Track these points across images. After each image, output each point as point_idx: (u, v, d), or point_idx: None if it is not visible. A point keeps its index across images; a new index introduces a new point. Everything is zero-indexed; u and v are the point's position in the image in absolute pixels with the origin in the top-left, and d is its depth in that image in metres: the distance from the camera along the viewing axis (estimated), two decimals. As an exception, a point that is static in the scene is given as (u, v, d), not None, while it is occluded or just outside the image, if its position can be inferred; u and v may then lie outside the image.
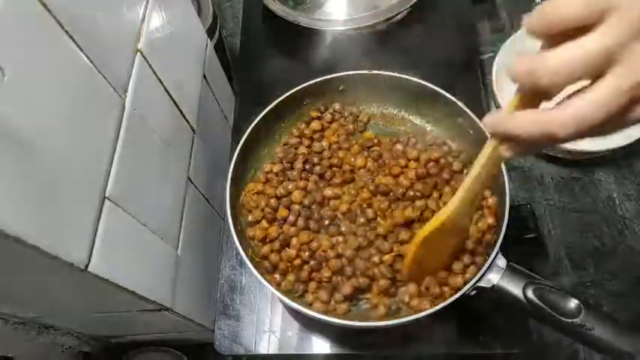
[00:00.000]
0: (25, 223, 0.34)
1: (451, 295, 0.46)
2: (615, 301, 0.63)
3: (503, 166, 0.52)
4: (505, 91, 0.71)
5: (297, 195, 0.54)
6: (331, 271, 0.51)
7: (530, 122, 0.28)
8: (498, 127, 0.31)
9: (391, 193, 0.54)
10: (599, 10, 0.25)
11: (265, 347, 0.58)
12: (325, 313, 0.49)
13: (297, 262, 0.51)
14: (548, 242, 0.66)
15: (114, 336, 0.86)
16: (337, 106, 0.62)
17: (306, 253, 0.51)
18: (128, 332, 0.83)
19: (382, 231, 0.52)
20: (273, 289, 0.48)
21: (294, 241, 0.52)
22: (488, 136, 0.35)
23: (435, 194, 0.55)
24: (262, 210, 0.54)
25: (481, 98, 0.71)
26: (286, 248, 0.53)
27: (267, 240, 0.53)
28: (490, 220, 0.52)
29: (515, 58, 0.28)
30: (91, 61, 0.43)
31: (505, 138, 0.32)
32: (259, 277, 0.48)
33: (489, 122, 0.32)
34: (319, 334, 0.58)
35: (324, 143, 0.59)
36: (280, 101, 0.58)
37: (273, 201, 0.54)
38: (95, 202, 0.43)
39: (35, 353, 0.73)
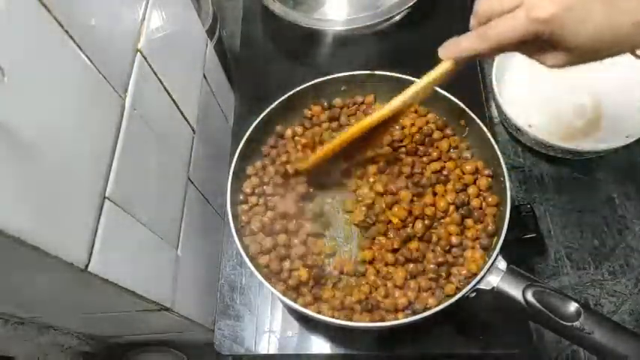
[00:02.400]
0: (25, 223, 0.34)
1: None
2: (615, 301, 0.63)
3: (503, 166, 0.52)
4: (505, 90, 0.71)
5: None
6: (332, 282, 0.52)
7: (469, 40, 0.41)
8: (449, 50, 0.43)
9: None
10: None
11: (265, 347, 0.58)
12: (325, 313, 0.50)
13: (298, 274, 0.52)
14: (548, 242, 0.66)
15: (114, 336, 0.86)
16: (339, 100, 0.62)
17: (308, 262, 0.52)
18: (128, 332, 0.83)
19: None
20: (273, 289, 0.48)
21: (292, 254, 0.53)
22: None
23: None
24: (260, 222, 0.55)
25: (481, 98, 0.71)
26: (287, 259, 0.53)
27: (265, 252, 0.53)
28: (490, 227, 0.52)
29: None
30: (91, 61, 0.43)
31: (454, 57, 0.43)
32: (259, 277, 0.48)
33: (449, 50, 0.43)
34: (319, 334, 0.58)
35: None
36: (280, 101, 0.59)
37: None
38: (95, 202, 0.43)
39: (35, 353, 0.72)
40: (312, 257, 0.53)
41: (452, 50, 0.43)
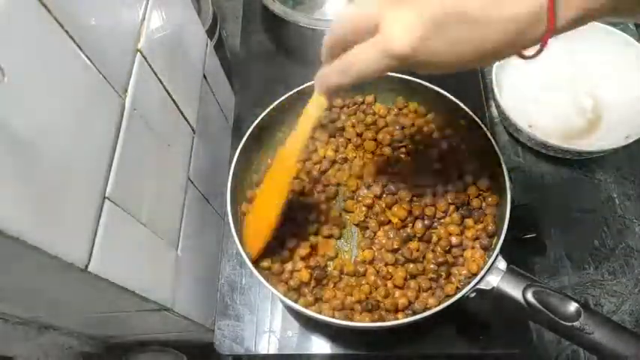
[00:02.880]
0: (25, 223, 0.34)
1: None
2: (615, 301, 0.63)
3: (503, 166, 0.52)
4: (505, 90, 0.71)
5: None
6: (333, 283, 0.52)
7: (334, 75, 0.38)
8: (324, 83, 0.40)
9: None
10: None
11: (265, 347, 0.58)
12: (325, 313, 0.50)
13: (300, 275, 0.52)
14: (548, 242, 0.66)
15: (114, 336, 0.86)
16: (339, 100, 0.62)
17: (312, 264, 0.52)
18: (128, 332, 0.83)
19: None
20: (273, 289, 0.48)
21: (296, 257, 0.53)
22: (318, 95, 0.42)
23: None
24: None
25: (481, 98, 0.71)
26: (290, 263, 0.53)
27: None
28: (490, 227, 0.52)
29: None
30: (91, 61, 0.43)
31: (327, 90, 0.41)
32: (259, 277, 0.48)
33: (320, 85, 0.40)
34: (319, 334, 0.58)
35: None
36: (280, 101, 0.58)
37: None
38: (95, 202, 0.43)
39: (35, 353, 0.72)
40: (315, 259, 0.52)
41: (324, 85, 0.40)
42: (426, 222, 0.53)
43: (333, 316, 0.49)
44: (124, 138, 0.48)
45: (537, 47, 0.34)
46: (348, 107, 0.62)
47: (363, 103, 0.62)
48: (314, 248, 0.53)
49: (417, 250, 0.51)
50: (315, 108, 0.44)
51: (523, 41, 0.33)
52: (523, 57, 0.35)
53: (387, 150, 0.58)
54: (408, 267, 0.51)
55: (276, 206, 0.49)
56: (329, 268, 0.53)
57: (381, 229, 0.54)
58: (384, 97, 0.62)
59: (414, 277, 0.51)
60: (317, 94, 0.41)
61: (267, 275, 0.51)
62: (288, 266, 0.52)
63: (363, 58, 0.35)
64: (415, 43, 0.32)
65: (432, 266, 0.51)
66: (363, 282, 0.51)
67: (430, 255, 0.51)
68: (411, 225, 0.53)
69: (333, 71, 0.38)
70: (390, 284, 0.51)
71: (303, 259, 0.52)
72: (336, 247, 0.55)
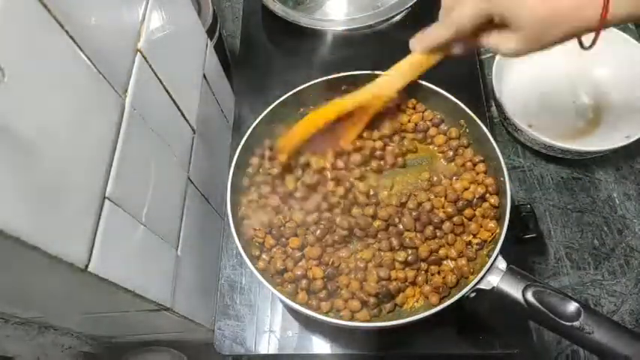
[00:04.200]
0: (25, 223, 0.34)
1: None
2: (615, 301, 0.63)
3: (503, 166, 0.52)
4: (505, 91, 0.71)
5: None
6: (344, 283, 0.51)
7: (435, 28, 0.46)
8: (420, 43, 0.48)
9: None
10: None
11: (265, 347, 0.58)
12: (325, 313, 0.50)
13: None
14: (548, 242, 0.66)
15: (114, 336, 0.86)
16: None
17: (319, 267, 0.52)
18: (128, 332, 0.83)
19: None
20: (273, 289, 0.48)
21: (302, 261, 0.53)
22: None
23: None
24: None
25: (481, 98, 0.71)
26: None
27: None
28: (491, 224, 0.52)
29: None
30: (91, 61, 0.43)
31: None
32: (259, 277, 0.48)
33: (415, 43, 0.49)
34: (319, 334, 0.58)
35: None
36: (280, 101, 0.58)
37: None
38: (95, 202, 0.43)
39: (35, 353, 0.72)
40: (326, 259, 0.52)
41: (421, 40, 0.47)
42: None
43: (333, 316, 0.49)
44: (124, 138, 0.48)
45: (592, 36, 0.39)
46: None
47: None
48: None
49: (417, 250, 0.51)
50: (407, 60, 0.49)
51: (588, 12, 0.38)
52: (582, 46, 0.41)
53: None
54: (407, 267, 0.51)
55: (328, 114, 0.53)
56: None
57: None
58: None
59: (413, 276, 0.51)
60: (414, 51, 0.48)
61: (267, 276, 0.51)
62: (290, 264, 0.52)
63: (459, 9, 0.42)
64: None
65: (432, 266, 0.51)
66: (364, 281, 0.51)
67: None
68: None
69: (435, 26, 0.45)
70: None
71: (315, 258, 0.52)
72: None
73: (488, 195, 0.54)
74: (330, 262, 0.52)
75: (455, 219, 0.53)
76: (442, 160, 0.58)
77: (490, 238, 0.51)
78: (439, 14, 0.45)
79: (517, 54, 0.42)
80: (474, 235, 0.52)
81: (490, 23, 0.42)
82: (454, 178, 0.56)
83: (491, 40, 0.43)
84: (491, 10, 0.40)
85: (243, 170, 0.57)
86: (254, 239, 0.53)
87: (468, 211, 0.53)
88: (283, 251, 0.53)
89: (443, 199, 0.54)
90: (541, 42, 0.40)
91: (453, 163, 0.57)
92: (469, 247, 0.52)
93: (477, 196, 0.54)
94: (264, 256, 0.53)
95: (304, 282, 0.51)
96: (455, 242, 0.52)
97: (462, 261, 0.51)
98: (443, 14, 0.44)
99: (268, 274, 0.52)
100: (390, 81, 0.50)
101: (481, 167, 0.56)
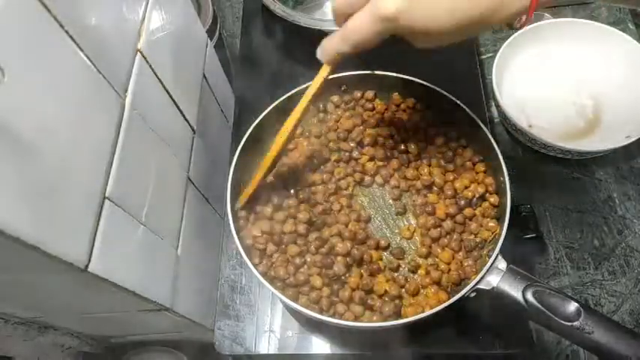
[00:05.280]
0: (25, 223, 0.34)
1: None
2: (615, 301, 0.63)
3: (503, 166, 0.52)
4: (505, 91, 0.71)
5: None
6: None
7: (334, 42, 0.41)
8: (326, 50, 0.42)
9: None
10: None
11: (265, 347, 0.58)
12: (325, 313, 0.50)
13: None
14: (548, 242, 0.66)
15: (114, 336, 0.86)
16: (335, 98, 0.62)
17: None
18: (128, 332, 0.83)
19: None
20: (273, 289, 0.48)
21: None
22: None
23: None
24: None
25: (481, 98, 0.71)
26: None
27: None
28: (492, 224, 0.52)
29: None
30: (91, 61, 0.43)
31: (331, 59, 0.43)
32: (259, 277, 0.48)
33: (321, 53, 0.43)
34: (319, 334, 0.58)
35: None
36: (280, 101, 0.58)
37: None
38: (95, 202, 0.43)
39: (35, 353, 0.73)
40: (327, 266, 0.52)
41: (328, 54, 0.42)
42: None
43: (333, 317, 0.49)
44: (124, 138, 0.48)
45: (524, 18, 0.37)
46: (347, 104, 0.63)
47: (362, 98, 0.62)
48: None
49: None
50: (321, 75, 0.45)
51: (509, 9, 0.36)
52: (511, 27, 0.38)
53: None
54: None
55: (267, 161, 0.51)
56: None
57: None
58: (384, 96, 0.62)
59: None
60: (324, 62, 0.44)
61: (269, 278, 0.51)
62: (291, 269, 0.51)
63: (357, 23, 0.37)
64: (401, 5, 0.35)
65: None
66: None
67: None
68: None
69: (335, 38, 0.40)
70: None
71: (316, 265, 0.51)
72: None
73: (488, 195, 0.54)
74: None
75: (457, 217, 0.53)
76: (441, 160, 0.57)
77: (490, 238, 0.51)
78: (332, 14, 0.41)
79: (434, 47, 0.39)
80: (475, 235, 0.52)
81: None
82: (454, 177, 0.56)
83: (406, 38, 0.40)
84: (395, 30, 0.37)
85: (243, 171, 0.57)
86: (254, 245, 0.53)
87: (467, 211, 0.53)
88: (285, 258, 0.52)
89: (442, 197, 0.54)
90: (457, 38, 0.38)
91: (452, 164, 0.57)
92: (469, 246, 0.52)
93: (476, 195, 0.54)
94: (264, 261, 0.52)
95: (305, 288, 0.50)
96: (455, 241, 0.52)
97: (466, 261, 0.51)
98: (336, 17, 0.40)
99: (268, 277, 0.52)
100: (309, 90, 0.48)
101: (481, 167, 0.56)
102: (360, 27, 0.37)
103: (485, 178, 0.55)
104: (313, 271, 0.51)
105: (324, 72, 0.45)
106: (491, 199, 0.54)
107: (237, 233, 0.51)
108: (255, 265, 0.50)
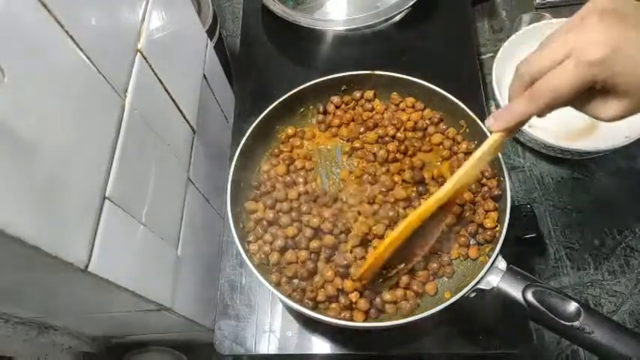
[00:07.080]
0: (25, 223, 0.34)
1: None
2: (615, 301, 0.63)
3: (503, 166, 0.52)
4: (505, 91, 0.71)
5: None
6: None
7: (520, 104, 0.38)
8: (502, 120, 0.40)
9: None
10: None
11: (265, 347, 0.58)
12: (325, 313, 0.50)
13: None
14: (548, 242, 0.66)
15: (114, 336, 0.86)
16: (335, 98, 0.62)
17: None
18: (128, 332, 0.83)
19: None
20: (273, 289, 0.48)
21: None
22: (489, 133, 0.42)
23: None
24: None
25: (481, 98, 0.71)
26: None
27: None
28: (491, 224, 0.52)
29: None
30: (91, 61, 0.43)
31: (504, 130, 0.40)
32: (259, 277, 0.48)
33: (492, 122, 0.41)
34: (319, 334, 0.58)
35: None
36: (280, 101, 0.58)
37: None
38: (95, 202, 0.43)
39: (35, 353, 0.73)
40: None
41: (504, 119, 0.39)
42: None
43: (333, 316, 0.49)
44: (124, 138, 0.48)
45: None
46: (347, 104, 0.63)
47: (362, 98, 0.62)
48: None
49: None
50: (488, 143, 0.42)
51: None
52: None
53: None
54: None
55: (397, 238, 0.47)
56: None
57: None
58: (384, 97, 0.62)
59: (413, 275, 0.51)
60: (495, 131, 0.41)
61: (267, 276, 0.51)
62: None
63: (554, 77, 0.35)
64: (607, 51, 0.33)
65: (434, 265, 0.51)
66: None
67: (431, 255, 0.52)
68: None
69: (520, 102, 0.38)
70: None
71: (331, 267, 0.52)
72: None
73: (488, 194, 0.54)
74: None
75: (455, 208, 0.53)
76: (440, 159, 0.57)
77: (490, 238, 0.51)
78: (511, 87, 0.39)
79: (618, 119, 0.37)
80: (475, 235, 0.52)
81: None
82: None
83: (589, 107, 0.37)
84: (598, 77, 0.34)
85: (243, 171, 0.57)
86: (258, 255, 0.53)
87: (468, 210, 0.53)
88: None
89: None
90: None
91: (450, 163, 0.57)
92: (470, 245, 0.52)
93: (476, 195, 0.54)
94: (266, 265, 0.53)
95: (304, 284, 0.51)
96: (456, 238, 0.52)
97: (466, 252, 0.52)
98: (518, 85, 0.38)
99: (267, 273, 0.52)
100: (470, 170, 0.43)
101: None
102: (560, 79, 0.35)
103: (485, 179, 0.55)
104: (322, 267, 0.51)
105: (494, 139, 0.41)
106: (492, 200, 0.54)
107: (237, 233, 0.51)
108: (252, 257, 0.50)
